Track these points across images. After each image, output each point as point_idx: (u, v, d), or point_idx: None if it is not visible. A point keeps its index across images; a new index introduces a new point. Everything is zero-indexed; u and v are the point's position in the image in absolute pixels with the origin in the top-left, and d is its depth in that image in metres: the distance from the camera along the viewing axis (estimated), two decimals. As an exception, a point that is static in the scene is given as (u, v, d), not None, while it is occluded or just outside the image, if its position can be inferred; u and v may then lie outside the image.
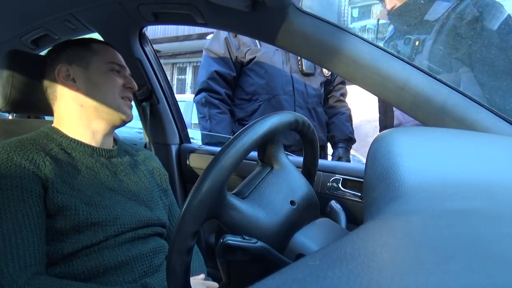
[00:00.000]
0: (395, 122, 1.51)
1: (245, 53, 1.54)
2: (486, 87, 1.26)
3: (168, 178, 1.01)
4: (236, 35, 1.55)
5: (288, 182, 0.65)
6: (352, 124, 1.74)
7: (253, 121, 0.60)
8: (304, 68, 1.55)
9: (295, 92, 1.54)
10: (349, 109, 1.75)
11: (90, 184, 0.75)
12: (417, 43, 1.35)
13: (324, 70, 1.63)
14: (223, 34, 1.55)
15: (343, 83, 1.75)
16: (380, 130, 1.68)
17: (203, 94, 1.54)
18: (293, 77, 1.55)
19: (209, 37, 2.02)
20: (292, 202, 0.63)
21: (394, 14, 1.44)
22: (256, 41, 1.54)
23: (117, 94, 0.84)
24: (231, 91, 1.58)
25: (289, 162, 0.69)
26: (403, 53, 1.39)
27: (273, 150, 0.67)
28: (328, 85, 1.72)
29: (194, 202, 0.51)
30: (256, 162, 0.72)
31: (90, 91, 0.81)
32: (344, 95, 1.76)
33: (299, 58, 1.56)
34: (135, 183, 0.85)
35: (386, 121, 1.59)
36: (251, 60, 1.53)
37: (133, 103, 0.91)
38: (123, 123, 0.86)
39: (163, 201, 0.92)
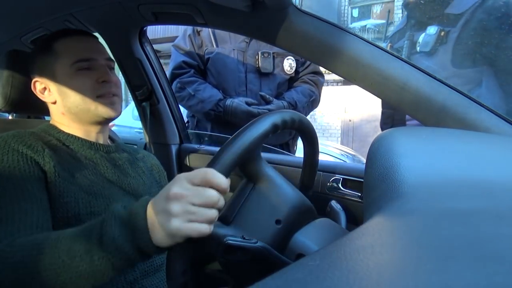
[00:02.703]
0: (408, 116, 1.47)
1: (204, 52, 1.54)
2: (509, 85, 1.24)
3: (168, 177, 1.01)
4: (199, 33, 1.54)
5: (271, 199, 0.63)
6: (309, 102, 1.61)
7: (224, 144, 0.57)
8: (261, 67, 1.52)
9: (248, 92, 1.52)
10: (312, 90, 1.63)
11: (89, 173, 0.75)
12: (442, 33, 1.32)
13: (285, 68, 1.57)
14: (188, 31, 1.54)
15: (317, 73, 1.66)
16: (384, 126, 1.62)
17: (175, 82, 1.53)
18: (247, 77, 1.53)
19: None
20: (277, 221, 0.61)
21: (411, 4, 1.42)
22: (213, 40, 1.52)
23: (91, 95, 0.77)
24: (201, 75, 1.56)
25: (272, 175, 0.66)
26: (424, 42, 1.36)
27: (253, 167, 0.64)
28: (294, 79, 1.65)
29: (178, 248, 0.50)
30: None
31: (65, 101, 0.79)
32: (317, 83, 1.65)
33: (256, 57, 1.52)
34: (134, 178, 0.85)
35: (395, 114, 1.53)
36: (208, 60, 1.53)
37: (132, 103, 0.90)
38: (111, 119, 0.82)
39: None
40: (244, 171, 0.65)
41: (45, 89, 0.80)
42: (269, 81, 1.56)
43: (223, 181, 0.50)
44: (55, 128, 0.81)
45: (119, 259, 0.51)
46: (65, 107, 0.79)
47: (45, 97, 0.80)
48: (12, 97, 0.92)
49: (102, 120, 0.81)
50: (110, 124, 0.93)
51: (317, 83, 1.67)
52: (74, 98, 0.78)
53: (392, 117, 1.58)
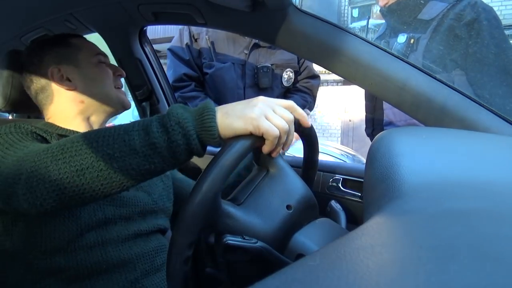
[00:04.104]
0: (385, 120, 1.48)
1: (202, 64, 1.52)
2: (479, 89, 1.26)
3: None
4: (196, 41, 1.52)
5: (284, 185, 0.64)
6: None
7: None
8: (260, 82, 1.51)
9: None
10: (305, 98, 1.64)
11: None
12: (412, 41, 1.35)
13: (284, 80, 1.58)
14: (186, 38, 1.52)
15: (312, 77, 1.66)
16: (367, 130, 1.66)
17: (175, 94, 1.51)
18: (246, 93, 1.51)
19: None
20: (288, 207, 0.61)
21: (387, 11, 1.44)
22: (213, 54, 1.50)
23: (112, 85, 0.86)
24: (200, 87, 1.55)
25: (286, 165, 0.68)
26: (396, 50, 1.38)
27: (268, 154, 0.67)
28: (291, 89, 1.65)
29: (188, 214, 0.50)
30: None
31: (89, 87, 0.83)
32: (311, 89, 1.66)
33: (256, 70, 1.51)
34: None
35: (374, 120, 1.56)
36: (206, 73, 1.52)
37: (133, 103, 0.91)
38: (124, 110, 0.90)
39: (163, 182, 0.91)
40: (260, 158, 0.67)
41: (63, 76, 0.82)
42: (267, 96, 1.54)
43: (303, 113, 0.57)
44: (52, 125, 0.81)
45: (177, 134, 0.51)
46: (89, 92, 0.83)
47: (63, 84, 0.82)
48: (12, 97, 0.92)
49: (120, 109, 0.88)
50: (109, 124, 0.93)
51: (311, 88, 1.68)
52: (100, 85, 0.84)
53: (372, 121, 1.59)
